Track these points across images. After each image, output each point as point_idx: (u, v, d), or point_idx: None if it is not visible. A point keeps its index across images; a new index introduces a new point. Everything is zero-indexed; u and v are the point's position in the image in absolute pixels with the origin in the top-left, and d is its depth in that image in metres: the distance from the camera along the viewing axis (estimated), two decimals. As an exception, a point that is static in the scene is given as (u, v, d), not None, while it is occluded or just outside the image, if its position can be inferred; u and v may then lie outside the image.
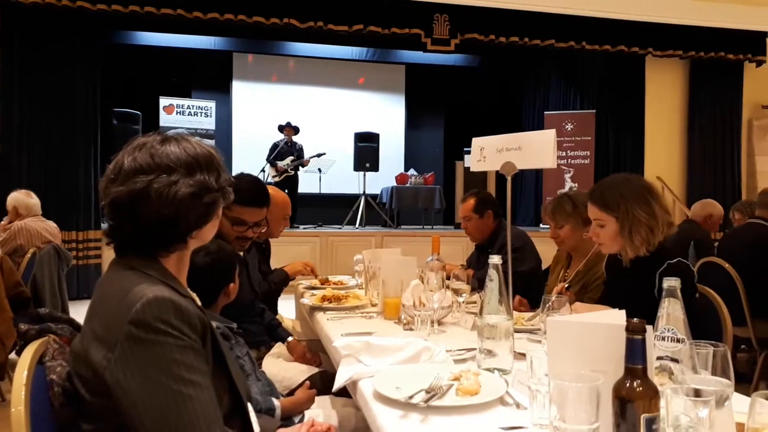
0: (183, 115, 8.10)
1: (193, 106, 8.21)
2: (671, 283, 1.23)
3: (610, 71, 8.35)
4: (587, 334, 1.14)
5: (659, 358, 1.19)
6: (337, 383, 1.47)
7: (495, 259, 1.53)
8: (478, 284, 2.41)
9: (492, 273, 1.52)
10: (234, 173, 1.98)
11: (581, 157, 8.18)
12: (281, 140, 7.75)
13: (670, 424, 0.94)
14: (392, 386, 1.33)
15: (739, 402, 1.02)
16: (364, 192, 7.91)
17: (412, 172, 8.66)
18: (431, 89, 9.45)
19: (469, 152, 7.55)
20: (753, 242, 3.55)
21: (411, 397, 1.26)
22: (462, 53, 8.29)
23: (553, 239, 2.54)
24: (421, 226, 8.00)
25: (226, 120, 8.99)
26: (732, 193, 8.41)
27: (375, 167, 8.09)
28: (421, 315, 1.87)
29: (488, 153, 2.08)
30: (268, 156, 7.67)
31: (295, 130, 7.80)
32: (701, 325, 1.87)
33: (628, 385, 0.94)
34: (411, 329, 1.94)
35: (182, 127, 7.83)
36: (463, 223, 3.26)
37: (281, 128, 7.81)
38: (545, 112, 8.39)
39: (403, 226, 7.86)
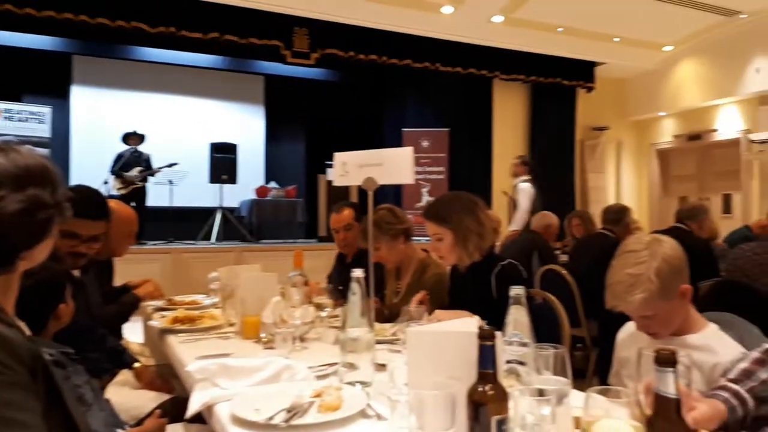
0: (12, 120, 7.26)
1: (24, 111, 7.38)
2: (517, 291, 1.31)
3: (462, 92, 8.91)
4: (443, 343, 1.18)
5: (508, 361, 1.27)
6: (191, 409, 1.39)
7: (357, 273, 1.54)
8: (337, 294, 2.43)
9: (354, 286, 1.53)
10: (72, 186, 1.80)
11: (437, 173, 8.59)
12: (126, 150, 7.22)
13: (517, 424, 0.99)
14: (251, 408, 1.28)
15: (576, 397, 1.12)
16: (221, 205, 7.62)
17: (273, 184, 8.51)
18: (292, 102, 9.37)
19: (331, 166, 7.59)
20: (600, 251, 3.95)
21: (271, 418, 1.22)
22: (323, 68, 8.35)
23: (378, 261, 2.59)
24: (283, 241, 7.88)
25: (64, 127, 8.18)
26: (567, 205, 9.34)
27: (233, 179, 7.83)
28: (283, 333, 1.82)
29: (351, 168, 2.11)
30: (112, 167, 7.11)
31: (141, 139, 7.32)
32: (545, 325, 2.07)
33: (480, 389, 0.98)
34: (272, 348, 1.88)
35: (11, 135, 7.06)
36: (341, 234, 3.17)
37: (126, 137, 7.29)
38: (403, 129, 8.70)
39: (263, 241, 7.66)
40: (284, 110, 9.47)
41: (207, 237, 7.41)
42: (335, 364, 1.58)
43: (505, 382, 1.17)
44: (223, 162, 7.79)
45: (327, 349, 1.89)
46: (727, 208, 9.07)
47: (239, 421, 1.24)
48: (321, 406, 1.30)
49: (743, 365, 1.25)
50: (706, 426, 1.05)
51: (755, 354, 1.27)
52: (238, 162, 7.95)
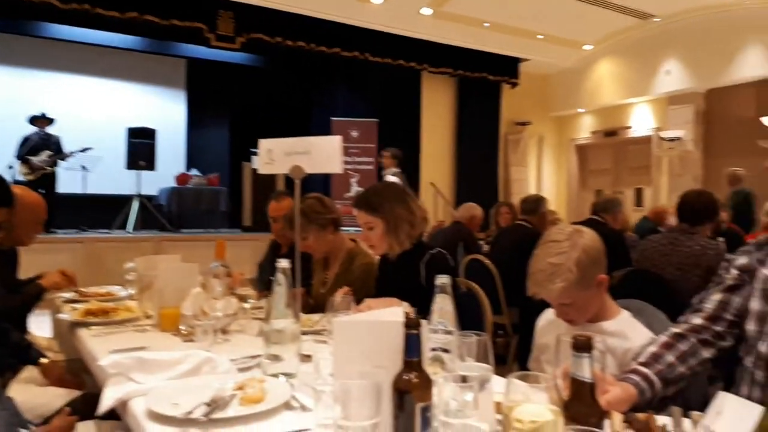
0: None
1: None
2: (443, 280, 1.33)
3: (391, 83, 8.94)
4: (369, 332, 1.17)
5: (432, 349, 1.28)
6: (103, 405, 1.31)
7: (282, 263, 1.51)
8: (262, 284, 2.38)
9: (279, 277, 1.49)
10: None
11: (366, 163, 8.59)
12: (34, 133, 6.75)
13: (441, 410, 1.00)
14: (169, 403, 1.23)
15: (498, 383, 1.14)
16: (138, 193, 7.28)
17: (194, 172, 8.22)
18: (216, 87, 9.07)
19: (256, 154, 7.41)
20: (519, 241, 4.07)
21: (190, 413, 1.17)
22: (249, 53, 8.13)
23: (306, 251, 2.58)
24: (205, 230, 7.64)
25: (-37, 107, 7.58)
26: (492, 197, 9.61)
27: (151, 166, 7.49)
28: (203, 325, 1.76)
29: (277, 156, 2.06)
30: (18, 151, 6.63)
31: (50, 122, 6.87)
32: (470, 313, 2.12)
33: (405, 377, 0.99)
34: (192, 340, 1.81)
35: None
36: (281, 223, 3.02)
37: (33, 119, 6.81)
38: (332, 118, 8.64)
39: (183, 230, 7.40)
40: (208, 95, 9.15)
41: (123, 226, 7.08)
42: (259, 356, 1.54)
43: (430, 369, 1.18)
44: (140, 147, 7.44)
45: (250, 341, 1.84)
46: (638, 201, 9.64)
47: (156, 417, 1.19)
48: (243, 398, 1.26)
49: (652, 349, 1.32)
50: (618, 408, 1.10)
51: (663, 338, 1.35)
52: (157, 148, 7.62)
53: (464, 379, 1.00)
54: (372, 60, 8.40)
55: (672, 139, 8.92)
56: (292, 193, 3.20)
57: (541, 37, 9.11)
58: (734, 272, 1.35)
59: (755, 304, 1.26)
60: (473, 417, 0.98)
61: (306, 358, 1.48)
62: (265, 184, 7.11)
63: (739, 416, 0.80)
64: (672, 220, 4.82)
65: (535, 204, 4.47)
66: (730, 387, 1.31)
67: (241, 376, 1.42)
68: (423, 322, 1.05)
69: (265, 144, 2.12)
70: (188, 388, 1.31)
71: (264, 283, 2.34)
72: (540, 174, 10.91)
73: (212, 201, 7.82)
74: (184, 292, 1.93)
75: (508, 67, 9.84)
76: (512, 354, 3.73)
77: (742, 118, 8.41)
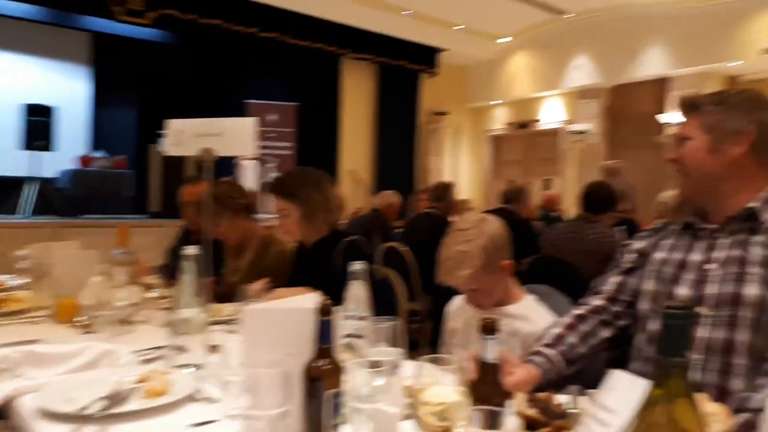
0: None
1: None
2: (357, 266, 1.33)
3: (311, 67, 8.80)
4: (281, 320, 1.15)
5: (346, 336, 1.27)
6: (-13, 404, 1.21)
7: (190, 250, 1.45)
8: (169, 273, 2.28)
9: (187, 265, 1.43)
10: None
11: (284, 148, 8.44)
12: None
13: (352, 396, 1.00)
14: (62, 399, 1.15)
15: (410, 367, 1.15)
16: (35, 175, 6.75)
17: (99, 153, 7.73)
18: (124, 63, 8.47)
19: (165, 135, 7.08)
20: (428, 228, 4.14)
21: (85, 408, 1.10)
22: (160, 29, 7.71)
23: (218, 238, 2.52)
24: (109, 216, 7.21)
25: None
26: (410, 185, 9.72)
27: (48, 146, 6.93)
28: (104, 315, 1.66)
29: (186, 137, 1.97)
30: None
31: None
32: (386, 300, 2.13)
33: (316, 364, 0.98)
34: (91, 332, 1.71)
35: None
36: (193, 208, 2.87)
37: None
38: (248, 101, 8.39)
39: (85, 216, 6.94)
40: (115, 72, 8.55)
41: (16, 210, 6.56)
42: (163, 347, 1.48)
43: (343, 356, 1.18)
44: (37, 126, 6.86)
45: (155, 332, 1.76)
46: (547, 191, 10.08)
47: (47, 414, 1.11)
48: (146, 391, 1.21)
49: (555, 330, 1.39)
50: (522, 388, 1.14)
51: (565, 320, 1.41)
52: (56, 127, 7.07)
53: (375, 365, 1.01)
54: (291, 42, 8.23)
55: (579, 132, 9.39)
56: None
57: (460, 28, 9.28)
58: (631, 256, 1.44)
59: (648, 285, 1.35)
60: (384, 401, 0.98)
61: (214, 348, 1.43)
62: (174, 168, 6.76)
63: (629, 391, 0.85)
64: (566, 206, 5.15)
65: (442, 191, 4.54)
66: (624, 365, 1.39)
67: (143, 368, 1.35)
68: (336, 308, 1.04)
69: (173, 124, 2.03)
70: (85, 383, 1.24)
71: (173, 271, 2.24)
72: (456, 163, 11.16)
73: (117, 185, 7.38)
74: (83, 281, 1.81)
75: (427, 56, 9.96)
76: (424, 339, 3.80)
77: (643, 113, 8.97)
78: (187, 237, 3.10)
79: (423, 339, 3.81)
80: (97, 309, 1.69)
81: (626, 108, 9.28)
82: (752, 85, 8.48)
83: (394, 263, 3.49)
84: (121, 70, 8.54)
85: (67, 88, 8.33)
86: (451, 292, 1.76)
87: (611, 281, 1.44)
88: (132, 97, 8.89)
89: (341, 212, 2.22)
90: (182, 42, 8.42)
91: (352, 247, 2.09)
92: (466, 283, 1.51)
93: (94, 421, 1.08)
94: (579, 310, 1.43)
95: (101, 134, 8.59)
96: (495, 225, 1.57)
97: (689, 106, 1.33)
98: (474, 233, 1.52)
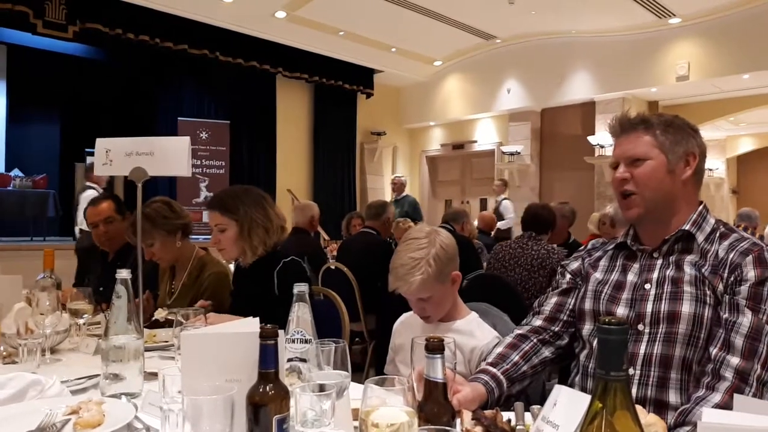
0: None
1: None
2: (301, 288, 1.31)
3: (244, 85, 8.70)
4: (222, 345, 1.12)
5: (290, 359, 1.25)
6: None
7: (123, 274, 1.39)
8: (98, 298, 2.18)
9: (120, 289, 1.37)
10: None
11: (216, 167, 8.27)
12: None
13: (298, 421, 0.98)
14: (-16, 436, 1.07)
15: (355, 389, 1.14)
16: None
17: (16, 173, 7.31)
18: (44, 78, 8.10)
19: (91, 153, 6.80)
20: (365, 248, 4.13)
21: (11, 445, 1.03)
22: (84, 43, 7.41)
23: (151, 259, 2.44)
24: (30, 238, 6.82)
25: None
26: (350, 205, 9.72)
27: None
28: (28, 343, 1.56)
29: (115, 156, 1.90)
30: None
31: None
32: (326, 322, 2.11)
33: (261, 390, 0.96)
34: (14, 362, 1.60)
35: None
36: (101, 228, 2.83)
37: None
38: (179, 118, 8.19)
39: (3, 239, 6.54)
40: (33, 87, 8.16)
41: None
42: (96, 376, 1.40)
43: (288, 380, 1.16)
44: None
45: (86, 360, 1.68)
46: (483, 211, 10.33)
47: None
48: (78, 423, 1.14)
49: (498, 350, 1.42)
50: (468, 406, 1.15)
51: (508, 339, 1.45)
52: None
53: (322, 388, 0.99)
54: (223, 60, 8.10)
55: (512, 154, 9.71)
56: (110, 197, 2.99)
57: (395, 50, 9.44)
58: (568, 276, 1.50)
59: (587, 305, 1.40)
60: (331, 425, 0.97)
61: (151, 376, 1.37)
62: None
63: (572, 405, 0.88)
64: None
65: (379, 209, 4.46)
66: (566, 380, 1.44)
67: (74, 398, 1.28)
68: (280, 332, 1.03)
69: (102, 143, 1.94)
70: (11, 416, 1.16)
71: (99, 296, 2.13)
72: (395, 183, 11.26)
73: (39, 206, 6.98)
74: (5, 307, 1.70)
75: (363, 77, 10.06)
76: (369, 360, 3.78)
77: (571, 135, 9.39)
78: (103, 259, 2.96)
79: (366, 361, 3.80)
80: (20, 337, 1.59)
81: (556, 130, 9.69)
82: (669, 110, 9.07)
83: (332, 284, 3.47)
84: (40, 85, 8.14)
85: (-20, 103, 7.87)
86: (395, 312, 1.77)
87: (550, 302, 1.49)
88: (53, 113, 8.50)
89: (282, 234, 2.19)
90: (109, 58, 8.14)
91: (288, 269, 2.06)
92: (417, 289, 1.53)
93: (20, 459, 1.01)
94: (521, 330, 1.47)
95: (18, 152, 8.14)
96: (446, 236, 1.62)
97: (639, 122, 1.34)
98: (426, 242, 1.56)
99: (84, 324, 1.84)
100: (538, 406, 1.05)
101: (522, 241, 3.50)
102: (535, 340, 1.44)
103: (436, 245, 1.55)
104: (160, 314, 1.98)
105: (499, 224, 7.50)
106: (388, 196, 10.85)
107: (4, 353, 1.67)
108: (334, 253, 4.91)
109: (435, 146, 11.27)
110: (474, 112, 10.35)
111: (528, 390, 1.44)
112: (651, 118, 1.35)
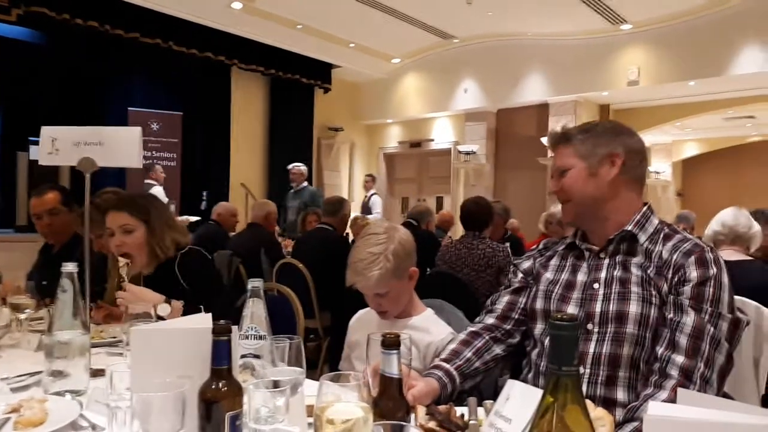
0: None
1: None
2: (255, 284, 1.29)
3: (198, 76, 8.49)
4: (173, 340, 1.10)
5: (243, 356, 1.23)
6: None
7: (69, 267, 1.35)
8: (40, 292, 2.10)
9: (65, 283, 1.33)
10: None
11: (168, 159, 8.06)
12: None
13: (251, 418, 0.97)
14: None
15: (310, 386, 1.14)
16: None
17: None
18: (-17, 63, 7.73)
19: (35, 142, 6.52)
20: (321, 245, 4.10)
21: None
22: (28, 27, 7.09)
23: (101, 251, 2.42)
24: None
25: None
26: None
27: None
28: (-35, 339, 1.49)
29: (62, 145, 1.83)
30: None
31: None
32: (281, 318, 2.09)
33: (213, 386, 0.95)
34: (-52, 359, 1.53)
35: None
36: (46, 219, 2.75)
37: None
38: (129, 108, 7.92)
39: (-59, 230, 6.22)
40: (-29, 72, 7.75)
41: None
42: (39, 372, 1.35)
43: (241, 377, 1.14)
44: None
45: (28, 356, 1.62)
46: (439, 209, 10.43)
47: None
48: (19, 422, 1.10)
49: (451, 346, 1.44)
50: (422, 401, 1.16)
51: (461, 336, 1.47)
52: None
53: (276, 385, 0.98)
54: (176, 49, 7.88)
55: (468, 153, 9.83)
56: (56, 187, 2.90)
57: (353, 45, 9.41)
58: (520, 276, 1.53)
59: (538, 304, 1.43)
60: (285, 422, 0.96)
61: (98, 372, 1.33)
62: (45, 177, 6.21)
63: (525, 399, 0.89)
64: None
65: (336, 205, 4.41)
66: (517, 376, 1.47)
67: (15, 396, 1.23)
68: (234, 328, 1.01)
69: (48, 132, 1.87)
70: (-58, 418, 1.10)
71: (41, 290, 2.05)
72: (352, 179, 11.23)
73: (-23, 196, 6.67)
74: (-61, 302, 1.62)
75: (321, 71, 9.98)
76: (323, 357, 3.76)
77: (525, 136, 9.58)
78: (47, 252, 2.88)
79: (320, 357, 3.78)
80: (-44, 334, 1.51)
81: (510, 131, 9.87)
82: (619, 113, 9.37)
83: (287, 280, 3.43)
84: (-22, 70, 7.73)
85: None
86: (351, 308, 1.77)
87: (503, 300, 1.52)
88: (-7, 99, 8.07)
89: (186, 237, 2.18)
90: (54, 43, 7.77)
91: (187, 259, 2.07)
92: (375, 284, 1.53)
93: (-46, 461, 0.96)
94: (473, 327, 1.50)
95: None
96: (404, 232, 1.63)
97: (560, 138, 1.44)
98: (385, 237, 1.57)
99: (25, 319, 1.77)
100: (491, 401, 1.07)
101: (467, 241, 3.53)
102: (487, 338, 1.47)
103: (394, 241, 1.56)
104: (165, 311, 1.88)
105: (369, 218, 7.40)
106: (344, 191, 10.84)
107: (-62, 350, 1.59)
108: (289, 249, 4.86)
109: (393, 143, 11.30)
110: (431, 110, 10.43)
111: (481, 386, 1.47)
112: (570, 131, 1.43)
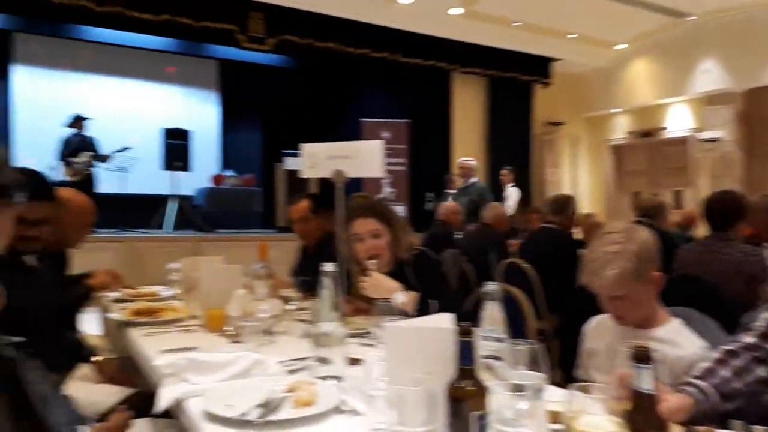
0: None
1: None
2: (491, 286, 1.33)
3: (422, 84, 8.91)
4: (421, 338, 1.19)
5: (483, 357, 1.28)
6: (160, 404, 1.35)
7: (329, 267, 1.53)
8: (303, 287, 2.41)
9: (325, 281, 1.52)
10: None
11: (398, 164, 8.59)
12: (72, 134, 6.93)
13: (496, 419, 1.00)
14: (223, 404, 1.25)
15: (550, 391, 1.14)
16: (174, 193, 7.39)
17: (229, 173, 8.33)
18: (248, 88, 9.15)
19: (290, 155, 7.50)
20: (548, 244, 3.98)
21: (245, 414, 1.20)
22: (280, 54, 8.18)
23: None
24: (239, 231, 7.73)
25: (4, 109, 7.82)
26: (525, 199, 9.47)
27: (186, 166, 7.57)
28: (251, 326, 1.79)
29: (320, 160, 2.10)
30: (62, 153, 6.81)
31: (85, 122, 7.03)
32: (511, 319, 2.11)
33: (460, 385, 1.00)
34: (238, 341, 1.85)
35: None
36: (298, 225, 3.11)
37: (72, 121, 6.97)
38: (362, 119, 8.65)
39: (219, 231, 7.49)
40: (240, 96, 9.24)
41: (160, 226, 7.20)
42: (306, 358, 1.56)
43: (483, 377, 1.19)
44: (176, 148, 7.52)
45: (295, 342, 1.87)
46: (677, 204, 9.41)
47: (212, 417, 1.21)
48: (295, 401, 1.28)
49: (704, 364, 1.30)
50: (675, 417, 1.09)
51: (715, 355, 1.32)
52: (192, 149, 7.72)
53: (518, 388, 1.00)
54: (402, 60, 8.39)
55: (711, 140, 8.71)
56: (308, 196, 3.26)
57: (573, 36, 8.99)
58: None
59: None
60: (528, 426, 0.98)
61: (353, 361, 1.49)
62: (297, 185, 7.15)
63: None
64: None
65: (561, 204, 4.23)
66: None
67: (290, 378, 1.44)
68: (475, 329, 1.06)
69: (308, 148, 2.15)
70: (241, 390, 1.34)
71: (304, 285, 2.37)
72: (575, 175, 10.75)
73: (247, 202, 7.91)
74: (229, 293, 1.96)
75: (539, 66, 9.73)
76: (554, 360, 3.66)
77: (784, 118, 8.18)
78: (305, 253, 3.26)
79: (551, 359, 3.68)
80: (243, 320, 1.82)
81: (763, 113, 8.50)
82: None
83: (515, 281, 3.42)
84: (245, 95, 9.19)
85: (199, 113, 9.09)
86: (581, 311, 1.70)
87: (763, 317, 1.33)
88: (256, 119, 9.55)
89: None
90: (300, 65, 8.92)
91: (420, 260, 2.19)
92: (612, 285, 1.44)
93: (254, 426, 1.17)
94: (729, 346, 1.33)
95: (230, 155, 9.27)
96: (645, 233, 1.51)
97: None
98: (624, 237, 1.47)
99: (293, 310, 2.05)
100: (762, 428, 0.96)
101: (709, 243, 3.00)
102: (747, 357, 1.29)
103: (634, 241, 1.45)
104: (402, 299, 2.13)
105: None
106: (568, 188, 10.39)
107: (231, 333, 1.92)
108: (515, 249, 4.85)
109: (620, 134, 10.51)
110: (663, 96, 9.46)
111: (746, 410, 1.30)
112: None
